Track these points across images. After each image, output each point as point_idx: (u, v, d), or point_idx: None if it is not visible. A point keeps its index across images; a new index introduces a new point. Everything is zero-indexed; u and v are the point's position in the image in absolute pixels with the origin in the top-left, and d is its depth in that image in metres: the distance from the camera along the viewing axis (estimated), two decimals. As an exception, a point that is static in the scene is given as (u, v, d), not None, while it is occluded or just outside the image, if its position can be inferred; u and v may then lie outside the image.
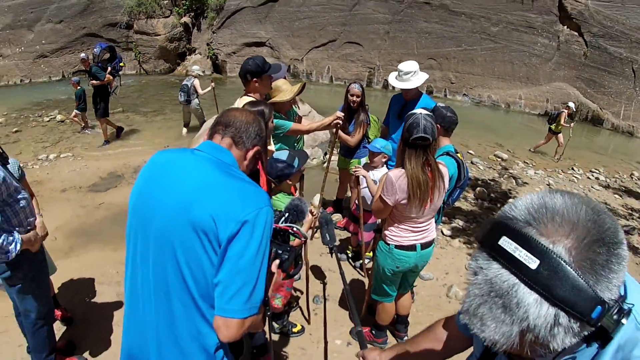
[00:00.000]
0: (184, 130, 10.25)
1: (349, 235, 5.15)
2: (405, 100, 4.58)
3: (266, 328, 1.97)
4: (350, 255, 5.03)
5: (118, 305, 4.03)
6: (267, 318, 1.87)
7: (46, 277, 3.12)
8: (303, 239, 1.88)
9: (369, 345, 2.16)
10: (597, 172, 10.21)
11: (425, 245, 3.16)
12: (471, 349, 1.32)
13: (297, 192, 3.40)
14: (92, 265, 4.61)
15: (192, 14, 19.80)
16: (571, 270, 0.71)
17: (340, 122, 4.19)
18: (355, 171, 4.03)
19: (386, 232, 3.17)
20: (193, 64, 17.80)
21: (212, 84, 10.16)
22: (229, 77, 18.60)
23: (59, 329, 3.71)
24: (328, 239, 2.87)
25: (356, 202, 4.45)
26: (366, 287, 4.09)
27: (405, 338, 3.74)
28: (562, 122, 10.92)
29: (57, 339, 3.42)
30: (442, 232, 5.78)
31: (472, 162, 9.58)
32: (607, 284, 0.74)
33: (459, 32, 16.85)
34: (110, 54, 9.24)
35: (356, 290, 4.41)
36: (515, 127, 15.02)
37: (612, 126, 15.60)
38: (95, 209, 6.20)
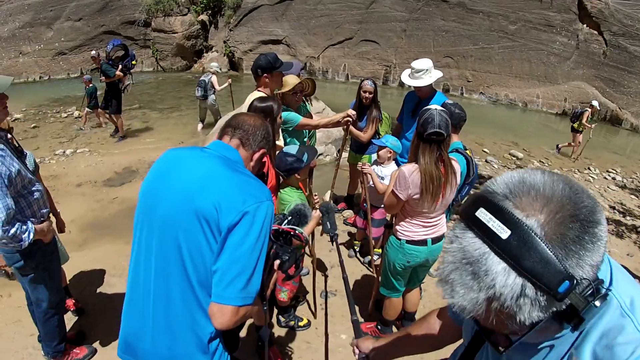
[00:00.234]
0: (199, 126, 10.34)
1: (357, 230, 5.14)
2: (419, 98, 4.57)
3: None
4: (357, 250, 5.04)
5: (129, 297, 4.07)
6: (266, 312, 1.89)
7: (58, 268, 3.18)
8: (304, 242, 1.91)
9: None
10: (614, 172, 10.06)
11: (436, 240, 3.15)
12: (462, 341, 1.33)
13: (306, 187, 3.41)
14: (105, 258, 4.68)
15: (210, 11, 19.96)
16: (540, 242, 0.72)
17: (351, 119, 4.20)
18: (362, 168, 4.05)
19: (397, 227, 3.17)
20: (210, 61, 17.93)
21: (229, 80, 10.24)
22: (245, 75, 18.68)
23: (70, 319, 3.78)
24: (329, 227, 2.89)
25: (364, 197, 4.46)
26: (375, 283, 4.09)
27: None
28: (584, 121, 10.76)
29: (67, 328, 3.49)
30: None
31: (486, 161, 9.50)
32: (577, 260, 0.74)
33: (476, 30, 16.70)
34: (124, 51, 9.37)
35: (364, 286, 4.42)
36: (532, 126, 14.85)
37: (631, 126, 15.33)
38: (110, 203, 6.29)
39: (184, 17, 19.00)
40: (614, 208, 7.60)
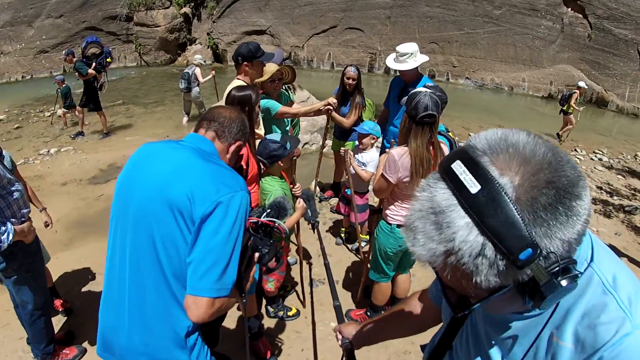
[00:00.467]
0: (184, 119, 10.28)
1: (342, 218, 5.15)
2: (404, 83, 4.54)
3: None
4: (344, 237, 5.04)
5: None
6: (245, 304, 1.88)
7: (41, 269, 3.14)
8: (284, 235, 1.90)
9: (345, 320, 2.17)
10: (601, 153, 10.12)
11: None
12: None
13: (289, 177, 3.40)
14: (91, 256, 4.64)
15: (192, 4, 19.74)
16: (509, 202, 0.69)
17: (332, 107, 4.19)
18: (343, 153, 4.08)
19: (387, 212, 3.17)
20: (194, 54, 17.77)
21: (213, 72, 10.18)
22: (230, 66, 18.52)
23: (59, 320, 3.76)
24: (310, 214, 2.88)
25: (346, 184, 4.46)
26: (364, 270, 4.10)
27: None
28: (572, 103, 10.80)
29: (57, 329, 3.47)
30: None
31: (473, 145, 9.51)
32: (546, 230, 0.71)
33: (461, 15, 16.67)
34: (100, 49, 9.22)
35: (354, 273, 4.44)
36: (518, 109, 14.92)
37: (616, 108, 15.40)
38: (95, 200, 6.24)
39: (166, 10, 18.75)
40: (601, 188, 7.65)
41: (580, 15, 15.61)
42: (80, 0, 17.35)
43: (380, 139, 4.81)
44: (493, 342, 1.01)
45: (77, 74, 9.03)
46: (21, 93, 14.13)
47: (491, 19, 16.41)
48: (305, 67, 18.63)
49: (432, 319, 1.48)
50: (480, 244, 0.71)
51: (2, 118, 10.93)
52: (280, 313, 3.76)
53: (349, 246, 4.95)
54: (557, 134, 11.29)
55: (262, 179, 3.15)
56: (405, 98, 2.99)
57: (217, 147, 1.84)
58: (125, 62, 18.79)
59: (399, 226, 3.11)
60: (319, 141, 8.18)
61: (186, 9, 19.43)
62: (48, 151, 8.41)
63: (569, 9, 15.73)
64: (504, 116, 12.81)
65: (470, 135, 10.27)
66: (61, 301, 3.84)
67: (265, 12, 18.77)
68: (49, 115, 10.80)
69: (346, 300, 4.05)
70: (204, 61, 12.29)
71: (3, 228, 2.59)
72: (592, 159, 9.72)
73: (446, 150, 3.06)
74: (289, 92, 4.88)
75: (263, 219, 1.85)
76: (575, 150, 10.22)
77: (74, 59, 9.18)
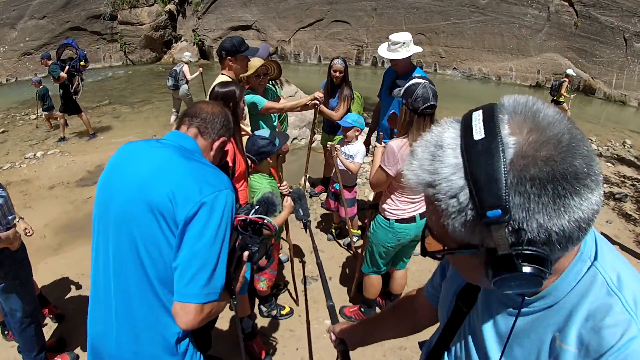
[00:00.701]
0: (172, 117, 10.18)
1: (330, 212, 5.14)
2: (396, 74, 4.42)
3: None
4: (335, 233, 5.03)
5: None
6: (236, 306, 1.84)
7: (29, 276, 3.08)
8: (274, 231, 1.86)
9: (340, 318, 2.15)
10: (589, 141, 10.14)
11: (424, 215, 3.11)
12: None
13: (277, 174, 3.37)
14: (81, 260, 4.57)
15: (177, 0, 19.56)
16: (501, 158, 0.69)
17: (318, 102, 4.15)
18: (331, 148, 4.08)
19: (385, 207, 3.13)
20: (180, 51, 17.64)
21: (200, 69, 10.06)
22: (216, 63, 18.32)
23: (50, 326, 3.71)
24: (301, 214, 2.86)
25: (334, 178, 4.44)
26: (357, 265, 4.09)
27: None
28: (563, 91, 10.86)
29: (48, 336, 3.42)
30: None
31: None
32: (524, 203, 0.69)
33: (447, 5, 16.67)
34: (76, 52, 9.04)
35: (347, 269, 4.42)
36: (507, 99, 14.90)
37: (604, 95, 15.50)
38: (83, 203, 6.16)
39: (151, 8, 18.56)
40: (590, 176, 7.71)
41: (567, 3, 15.62)
42: (63, 1, 17.12)
43: (365, 130, 4.80)
44: (493, 342, 0.98)
45: (51, 77, 8.85)
46: (6, 96, 13.95)
47: (478, 8, 16.41)
48: (292, 62, 18.56)
49: (428, 319, 1.46)
50: (459, 187, 0.72)
51: (-13, 123, 10.76)
52: (274, 312, 3.74)
53: (341, 242, 4.93)
54: None
55: (250, 176, 3.12)
56: (397, 90, 2.95)
57: (199, 144, 1.78)
58: (111, 61, 18.62)
59: (397, 221, 3.08)
60: (308, 136, 8.13)
61: (170, 6, 19.27)
62: (34, 154, 8.30)
63: (555, -3, 15.76)
64: (493, 106, 12.79)
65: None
66: (51, 308, 3.78)
67: (250, 7, 18.65)
68: (34, 118, 10.64)
69: (340, 296, 4.03)
70: (192, 59, 12.20)
71: (-13, 235, 2.54)
72: (580, 146, 9.77)
73: None
74: (276, 87, 4.84)
75: (251, 216, 1.80)
76: (564, 138, 10.27)
77: (49, 62, 8.94)
